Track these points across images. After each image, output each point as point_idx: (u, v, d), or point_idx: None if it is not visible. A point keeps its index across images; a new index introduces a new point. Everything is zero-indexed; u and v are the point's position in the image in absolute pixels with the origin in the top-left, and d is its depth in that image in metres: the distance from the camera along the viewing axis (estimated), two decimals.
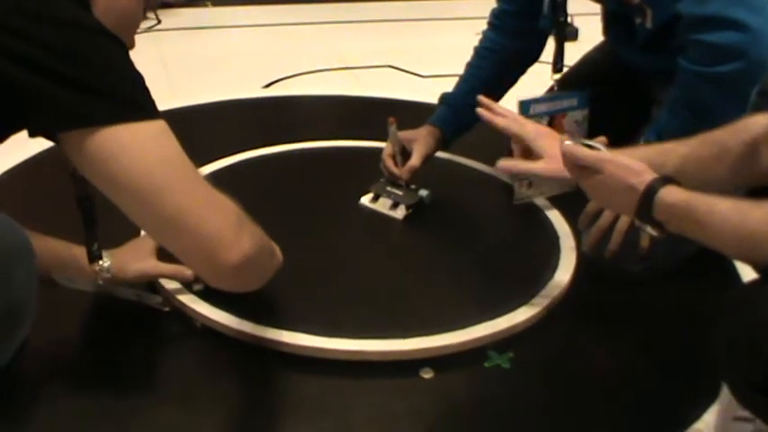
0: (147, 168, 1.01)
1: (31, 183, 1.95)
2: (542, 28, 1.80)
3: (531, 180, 1.73)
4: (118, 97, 1.00)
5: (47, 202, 1.74)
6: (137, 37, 1.19)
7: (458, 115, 1.88)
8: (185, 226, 1.04)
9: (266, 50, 3.31)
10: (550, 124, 1.72)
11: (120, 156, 0.99)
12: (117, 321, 1.45)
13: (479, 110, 1.51)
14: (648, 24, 1.61)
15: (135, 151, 1.00)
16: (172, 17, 3.59)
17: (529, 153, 1.44)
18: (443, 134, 1.89)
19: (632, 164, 1.18)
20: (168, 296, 1.47)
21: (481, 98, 1.53)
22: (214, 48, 3.34)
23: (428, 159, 1.86)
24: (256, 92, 2.77)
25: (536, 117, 1.69)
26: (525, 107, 1.69)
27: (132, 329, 1.43)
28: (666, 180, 1.14)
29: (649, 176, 1.15)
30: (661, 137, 1.46)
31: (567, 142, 1.26)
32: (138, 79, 1.03)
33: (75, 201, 1.26)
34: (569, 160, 1.25)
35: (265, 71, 2.96)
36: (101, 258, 1.36)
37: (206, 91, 2.66)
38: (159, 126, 1.03)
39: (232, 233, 1.06)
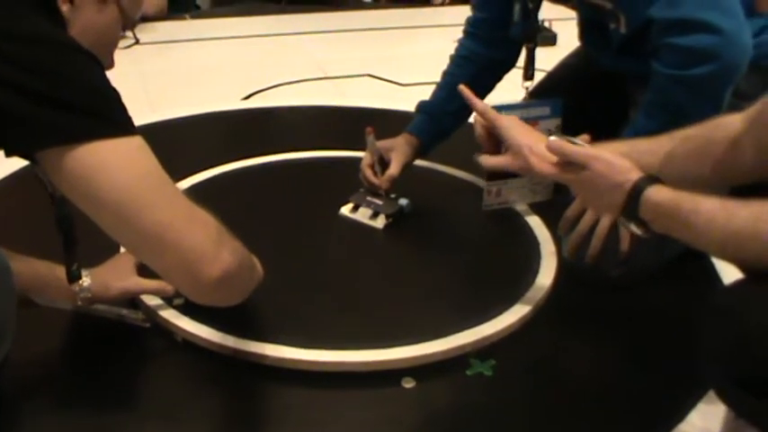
0: (126, 184, 1.00)
1: (9, 202, 1.94)
2: (513, 36, 1.81)
3: (500, 188, 1.73)
4: (95, 114, 0.99)
5: (25, 222, 1.73)
6: (114, 53, 1.19)
7: (435, 123, 1.89)
8: (165, 242, 1.03)
9: (245, 62, 3.31)
10: None
11: (98, 172, 0.99)
12: (98, 338, 1.44)
13: (462, 87, 1.49)
14: (623, 29, 1.62)
15: (113, 168, 0.99)
16: (149, 31, 3.59)
17: (494, 142, 1.42)
18: (421, 142, 1.89)
19: (619, 162, 1.18)
20: (149, 311, 1.46)
21: (462, 88, 1.51)
22: (192, 61, 3.33)
23: (406, 168, 1.86)
24: (235, 104, 2.76)
25: None
26: None
27: (113, 346, 1.43)
28: (653, 179, 1.15)
29: (636, 175, 1.16)
30: (639, 134, 1.46)
31: (553, 138, 1.27)
32: (114, 96, 1.03)
33: (55, 221, 1.26)
34: (555, 156, 1.25)
35: (244, 83, 2.95)
36: (80, 278, 1.35)
37: (185, 104, 2.65)
38: (136, 142, 1.03)
39: (212, 248, 1.05)
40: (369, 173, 1.86)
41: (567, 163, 1.23)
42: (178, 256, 1.04)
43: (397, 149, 1.86)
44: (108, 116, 1.01)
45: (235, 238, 1.13)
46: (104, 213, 1.02)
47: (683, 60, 1.46)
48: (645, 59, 1.55)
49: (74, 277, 1.34)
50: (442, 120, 1.89)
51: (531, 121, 1.66)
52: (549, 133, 1.71)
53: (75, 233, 1.28)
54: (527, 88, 1.86)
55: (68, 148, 0.97)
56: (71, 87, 0.98)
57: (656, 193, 1.12)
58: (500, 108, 1.69)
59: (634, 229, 1.17)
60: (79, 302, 1.37)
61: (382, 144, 1.86)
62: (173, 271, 1.08)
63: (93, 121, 0.99)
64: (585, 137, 1.35)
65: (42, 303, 1.37)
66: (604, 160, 1.19)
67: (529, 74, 1.84)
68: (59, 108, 0.96)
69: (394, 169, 1.83)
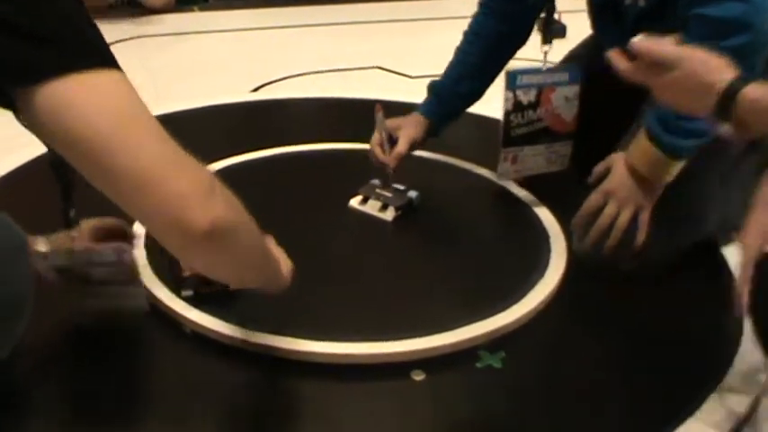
0: (103, 121, 0.90)
1: (16, 194, 1.93)
2: (533, 3, 1.78)
3: (516, 154, 1.70)
4: (64, 45, 0.89)
5: (31, 214, 1.72)
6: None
7: (444, 105, 1.88)
8: (146, 183, 0.91)
9: (254, 54, 3.30)
10: (538, 98, 1.70)
11: (67, 110, 0.88)
12: (103, 329, 1.44)
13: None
14: (641, 2, 1.58)
15: (84, 104, 0.89)
16: (157, 23, 3.58)
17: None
18: (431, 123, 1.88)
19: (714, 60, 1.13)
20: (157, 302, 1.46)
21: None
22: (201, 53, 3.33)
23: (415, 146, 1.86)
24: (245, 96, 2.76)
25: (524, 88, 1.67)
26: (513, 78, 1.67)
27: (120, 336, 1.43)
28: (750, 78, 1.09)
29: (731, 74, 1.10)
30: (662, 119, 1.44)
31: (638, 38, 1.19)
32: (92, 29, 0.93)
33: (49, 165, 1.21)
34: (643, 56, 1.17)
35: (253, 75, 2.95)
36: (78, 224, 1.32)
37: (194, 96, 2.64)
38: (113, 75, 0.92)
39: (201, 193, 0.94)
40: (377, 150, 1.85)
41: (654, 66, 1.16)
42: (160, 200, 0.92)
43: (406, 127, 1.85)
44: (79, 47, 0.91)
45: (234, 196, 1.04)
46: (80, 153, 0.92)
47: (715, 32, 1.38)
48: (660, 36, 1.51)
49: (71, 223, 1.31)
50: (452, 101, 1.88)
51: (549, 87, 1.64)
52: (566, 100, 1.68)
53: (72, 178, 1.23)
54: (546, 53, 1.83)
55: (41, 84, 0.88)
56: (35, 14, 0.88)
57: (754, 90, 1.07)
58: (518, 72, 1.67)
59: (727, 129, 1.11)
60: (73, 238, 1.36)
61: (391, 122, 1.85)
62: (155, 218, 0.95)
63: (63, 53, 0.89)
64: (676, 37, 1.22)
65: (36, 266, 1.32)
66: (697, 58, 1.13)
67: (548, 38, 1.81)
68: (25, 39, 0.87)
69: (402, 147, 1.82)
